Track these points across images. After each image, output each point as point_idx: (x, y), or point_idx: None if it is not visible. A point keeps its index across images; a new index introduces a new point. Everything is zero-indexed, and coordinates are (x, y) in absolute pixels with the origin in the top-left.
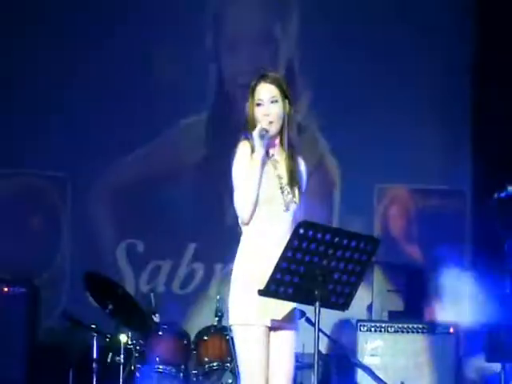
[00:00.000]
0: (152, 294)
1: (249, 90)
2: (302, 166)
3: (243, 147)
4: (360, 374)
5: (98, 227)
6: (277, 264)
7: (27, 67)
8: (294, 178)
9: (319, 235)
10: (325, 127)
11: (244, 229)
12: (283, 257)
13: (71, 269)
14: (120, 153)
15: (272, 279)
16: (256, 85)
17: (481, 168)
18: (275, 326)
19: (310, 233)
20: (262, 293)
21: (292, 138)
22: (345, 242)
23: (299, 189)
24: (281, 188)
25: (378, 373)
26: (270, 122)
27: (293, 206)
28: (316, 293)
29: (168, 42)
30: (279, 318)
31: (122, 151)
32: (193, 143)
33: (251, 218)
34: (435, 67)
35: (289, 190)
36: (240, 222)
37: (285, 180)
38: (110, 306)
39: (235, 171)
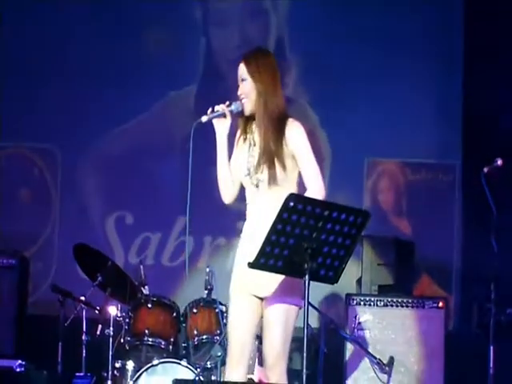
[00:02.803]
0: (141, 267)
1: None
2: (292, 131)
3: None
4: (349, 348)
5: (88, 199)
6: (266, 237)
7: (18, 40)
8: (266, 156)
9: (309, 208)
10: (314, 101)
11: None
12: (273, 229)
13: (61, 241)
14: (109, 125)
15: (261, 252)
16: None
17: (471, 142)
18: (263, 297)
19: (300, 206)
20: (251, 265)
21: (270, 113)
22: (334, 215)
23: (281, 162)
24: (247, 169)
25: (366, 347)
26: (241, 101)
27: (263, 184)
28: (305, 266)
29: (157, 15)
30: (263, 289)
31: (111, 123)
32: (181, 116)
33: (228, 198)
34: (428, 39)
35: (255, 169)
36: None
37: (255, 159)
38: (100, 278)
39: None
